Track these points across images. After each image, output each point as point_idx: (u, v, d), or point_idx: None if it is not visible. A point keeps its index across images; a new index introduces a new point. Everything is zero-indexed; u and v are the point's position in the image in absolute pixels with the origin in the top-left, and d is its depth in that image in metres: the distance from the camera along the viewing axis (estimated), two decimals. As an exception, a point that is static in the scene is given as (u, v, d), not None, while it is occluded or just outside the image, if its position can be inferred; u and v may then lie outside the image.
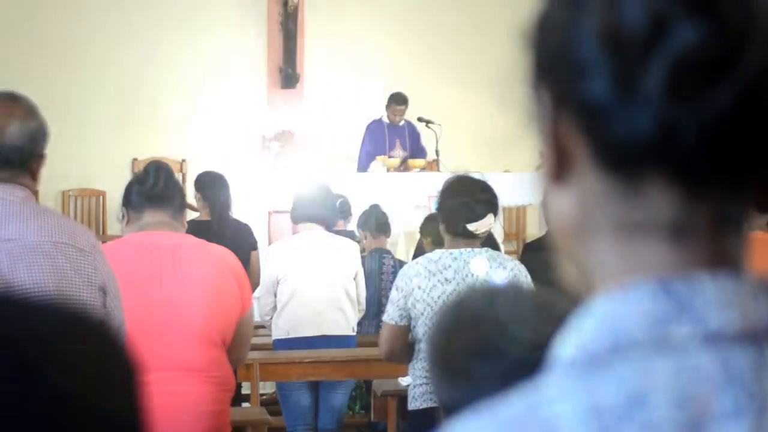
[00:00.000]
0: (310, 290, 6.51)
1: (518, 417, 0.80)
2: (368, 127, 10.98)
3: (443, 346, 1.72)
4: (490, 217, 4.64)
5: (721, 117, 0.81)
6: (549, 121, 0.86)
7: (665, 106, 0.81)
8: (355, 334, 6.72)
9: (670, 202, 0.83)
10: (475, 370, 1.65)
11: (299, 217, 6.69)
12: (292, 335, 6.56)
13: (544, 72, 0.86)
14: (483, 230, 4.63)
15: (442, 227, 4.71)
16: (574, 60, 0.83)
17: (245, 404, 6.78)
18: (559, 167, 0.86)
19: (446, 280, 4.63)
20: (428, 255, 4.78)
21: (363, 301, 6.76)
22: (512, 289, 1.95)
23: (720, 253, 0.84)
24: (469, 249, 4.66)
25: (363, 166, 10.54)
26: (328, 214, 6.71)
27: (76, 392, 0.90)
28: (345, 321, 6.61)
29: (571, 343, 0.83)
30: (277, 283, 6.55)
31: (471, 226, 4.59)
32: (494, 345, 1.65)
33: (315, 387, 6.63)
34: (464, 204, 4.61)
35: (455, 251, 4.66)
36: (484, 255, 4.67)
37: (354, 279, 6.63)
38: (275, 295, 6.57)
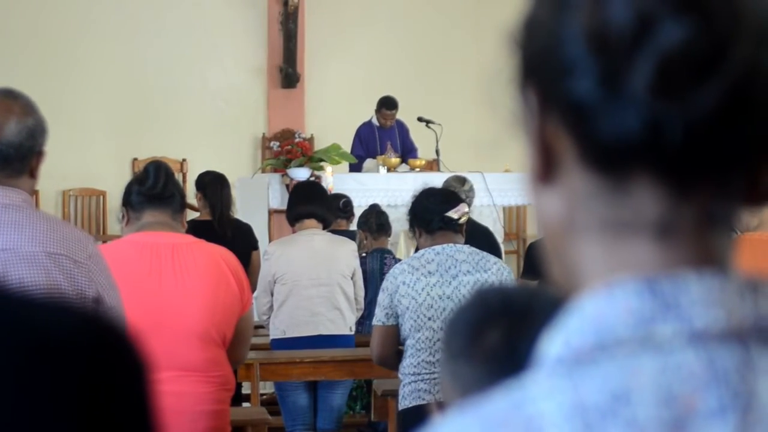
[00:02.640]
0: (307, 290, 6.50)
1: (503, 414, 0.80)
2: (358, 132, 10.90)
3: (475, 336, 1.70)
4: (464, 205, 4.77)
5: (708, 115, 0.81)
6: (536, 122, 0.86)
7: (651, 105, 0.81)
8: (353, 333, 6.71)
9: (657, 201, 0.83)
10: (519, 354, 1.63)
11: (295, 216, 6.68)
12: (288, 335, 6.56)
13: (530, 72, 0.86)
14: (462, 216, 4.74)
15: (421, 234, 4.81)
16: (560, 60, 0.83)
17: (245, 404, 6.78)
18: (545, 167, 0.87)
19: (429, 273, 4.70)
20: (412, 254, 4.87)
21: (361, 300, 6.75)
22: (540, 286, 1.94)
23: (706, 251, 0.84)
24: (451, 244, 4.72)
25: (356, 169, 10.46)
26: (324, 213, 6.70)
27: (87, 390, 0.91)
28: (342, 321, 6.60)
29: (557, 341, 0.83)
30: (274, 282, 6.55)
31: (451, 213, 4.69)
32: (535, 332, 1.63)
33: (313, 387, 6.62)
34: (437, 201, 4.77)
35: (437, 247, 4.74)
36: (467, 250, 4.73)
37: (351, 278, 6.62)
38: (272, 294, 6.57)
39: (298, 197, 6.77)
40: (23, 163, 3.03)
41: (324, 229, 6.70)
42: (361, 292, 6.74)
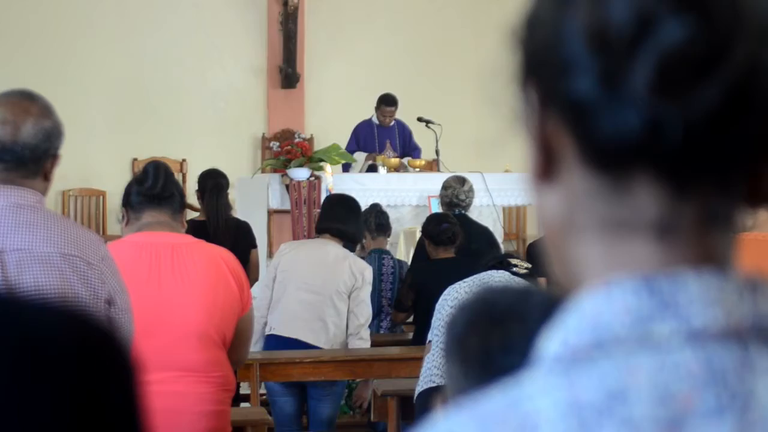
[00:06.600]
0: (298, 293, 6.47)
1: (499, 412, 0.80)
2: (356, 128, 10.82)
3: (461, 338, 1.71)
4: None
5: (708, 114, 0.81)
6: (536, 120, 0.86)
7: (652, 104, 0.80)
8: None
9: (657, 200, 0.83)
10: (505, 364, 1.64)
11: (320, 229, 6.72)
12: (272, 332, 6.52)
13: (531, 70, 0.86)
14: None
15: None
16: (560, 58, 0.83)
17: (245, 404, 6.77)
18: (545, 166, 0.86)
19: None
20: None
21: (360, 316, 6.61)
22: (541, 288, 1.95)
23: (706, 250, 0.84)
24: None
25: (345, 166, 10.41)
26: (347, 231, 6.67)
27: (79, 391, 0.91)
28: (324, 333, 6.50)
29: (555, 339, 0.83)
30: (274, 279, 6.55)
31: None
32: (526, 340, 1.63)
33: (302, 391, 6.57)
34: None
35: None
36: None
37: (348, 296, 6.52)
38: (272, 291, 6.56)
39: (327, 210, 6.82)
40: (38, 165, 3.02)
41: (347, 245, 6.69)
42: (363, 311, 6.60)
